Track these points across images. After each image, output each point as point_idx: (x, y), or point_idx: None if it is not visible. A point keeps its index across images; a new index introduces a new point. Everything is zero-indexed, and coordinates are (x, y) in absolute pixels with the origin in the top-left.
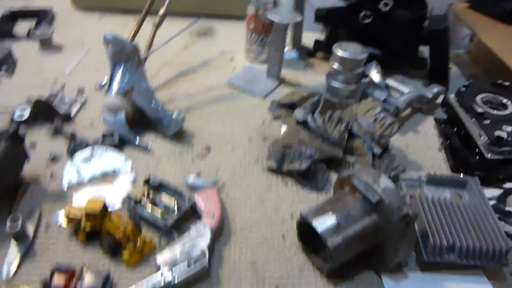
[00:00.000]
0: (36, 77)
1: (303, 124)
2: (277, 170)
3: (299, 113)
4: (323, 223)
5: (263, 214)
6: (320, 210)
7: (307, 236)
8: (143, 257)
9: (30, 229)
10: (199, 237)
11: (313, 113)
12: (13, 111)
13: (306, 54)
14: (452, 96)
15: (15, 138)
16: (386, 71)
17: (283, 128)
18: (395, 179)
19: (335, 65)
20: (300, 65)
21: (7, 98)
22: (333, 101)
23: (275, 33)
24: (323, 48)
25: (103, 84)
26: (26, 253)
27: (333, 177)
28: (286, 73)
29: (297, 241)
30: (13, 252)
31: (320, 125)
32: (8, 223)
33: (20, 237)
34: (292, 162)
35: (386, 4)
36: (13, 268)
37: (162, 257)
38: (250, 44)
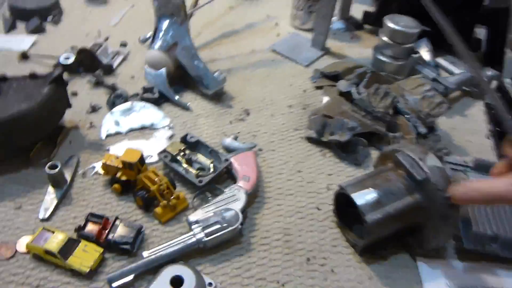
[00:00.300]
0: (80, 27)
1: (346, 95)
2: (316, 140)
3: (343, 84)
4: (362, 197)
5: (299, 183)
6: (360, 184)
7: (343, 210)
8: (176, 214)
9: (67, 176)
10: (233, 200)
11: (357, 85)
12: (58, 57)
13: (353, 26)
14: (508, 81)
15: (60, 81)
16: (437, 50)
17: (325, 99)
18: None
19: (385, 38)
20: (346, 37)
21: (52, 45)
22: (381, 75)
23: None
24: (373, 21)
25: (146, 37)
26: (62, 199)
27: (373, 152)
28: (331, 43)
29: (332, 214)
30: (50, 197)
31: (364, 97)
32: (47, 169)
33: (58, 183)
34: (333, 133)
35: None
36: (49, 211)
37: (195, 216)
38: (296, 10)
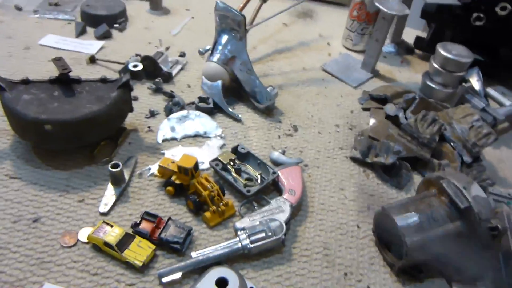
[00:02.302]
0: (144, 35)
1: (394, 119)
2: (361, 161)
3: (390, 108)
4: (405, 220)
5: (341, 200)
6: (403, 207)
7: (382, 230)
8: (223, 219)
9: (126, 175)
10: (278, 211)
11: (405, 110)
12: (126, 62)
13: (404, 50)
14: None
15: (126, 87)
16: (487, 80)
17: (372, 121)
18: None
19: (436, 65)
20: (396, 60)
21: (118, 51)
22: (429, 101)
23: (379, 23)
24: (424, 46)
25: (206, 49)
26: (120, 196)
27: (416, 177)
28: (381, 66)
29: (371, 233)
30: (110, 193)
31: (411, 122)
32: (110, 168)
33: (118, 181)
34: (378, 155)
35: (504, 8)
36: (109, 206)
37: (242, 224)
38: (349, 31)
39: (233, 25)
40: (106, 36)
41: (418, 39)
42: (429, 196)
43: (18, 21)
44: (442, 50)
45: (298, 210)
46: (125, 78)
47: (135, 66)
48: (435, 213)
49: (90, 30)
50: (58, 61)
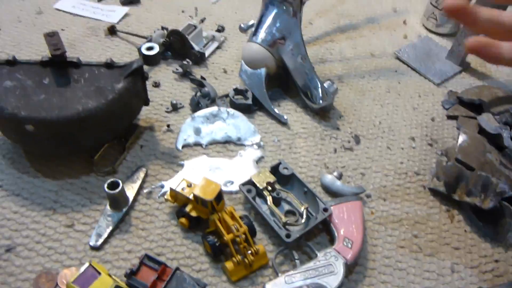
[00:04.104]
0: (177, 1)
1: (493, 138)
2: (444, 196)
3: (488, 121)
4: None
5: (413, 254)
6: None
7: None
8: (250, 272)
9: (130, 194)
10: (327, 272)
11: (511, 126)
12: (148, 37)
13: None
14: None
15: (138, 75)
16: None
17: (462, 137)
18: None
19: None
20: None
21: (144, 20)
22: None
23: None
24: None
25: (248, 25)
26: (119, 223)
27: None
28: (472, 56)
29: None
30: (106, 219)
31: None
32: (107, 188)
33: (117, 204)
34: (470, 192)
35: None
36: (102, 239)
37: (275, 286)
38: (433, 7)
39: None
40: (132, 1)
41: None
42: None
43: None
44: None
45: (354, 265)
46: (136, 63)
47: (149, 48)
48: None
49: None
50: (50, 37)
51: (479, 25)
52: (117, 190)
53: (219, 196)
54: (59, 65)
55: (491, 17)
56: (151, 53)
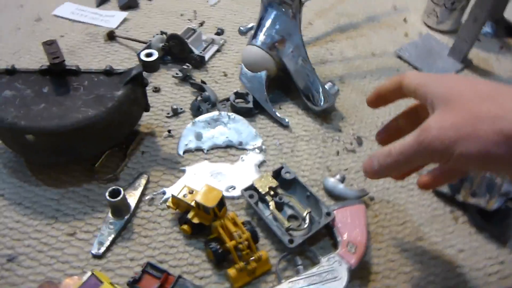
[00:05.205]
0: (176, 4)
1: None
2: (448, 197)
3: None
4: None
5: (418, 258)
6: None
7: None
8: (254, 279)
9: (132, 201)
10: (330, 277)
11: None
12: (148, 41)
13: (504, 31)
14: None
15: (138, 82)
16: None
17: None
18: None
19: None
20: (494, 45)
21: (143, 25)
22: None
23: None
24: None
25: (248, 28)
26: (122, 231)
27: None
28: (473, 53)
29: None
30: (108, 227)
31: None
32: (108, 196)
33: (119, 212)
34: (475, 193)
35: None
36: (104, 247)
37: None
38: (434, 4)
39: None
40: (131, 5)
41: None
42: None
43: None
44: None
45: (358, 270)
46: (135, 70)
47: (148, 55)
48: None
49: None
50: (49, 46)
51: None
52: (118, 198)
53: (221, 203)
54: (58, 74)
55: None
56: (150, 59)
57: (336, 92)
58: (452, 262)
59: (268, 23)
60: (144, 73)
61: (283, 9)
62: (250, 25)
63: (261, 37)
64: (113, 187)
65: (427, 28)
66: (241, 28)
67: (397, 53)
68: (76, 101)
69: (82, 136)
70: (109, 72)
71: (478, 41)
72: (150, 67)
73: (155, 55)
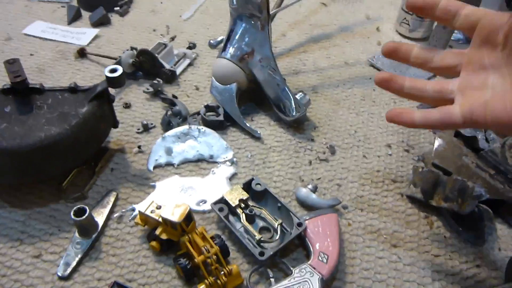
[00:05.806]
0: (149, 20)
1: (470, 142)
2: (422, 202)
3: None
4: None
5: (393, 265)
6: None
7: None
8: None
9: (100, 219)
10: None
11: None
12: (118, 58)
13: None
14: None
15: (103, 98)
16: None
17: (438, 141)
18: None
19: None
20: None
21: (114, 41)
22: None
23: None
24: None
25: (217, 42)
26: (89, 250)
27: (500, 227)
28: None
29: None
30: (75, 247)
31: (496, 149)
32: (73, 216)
33: (86, 231)
34: (448, 197)
35: None
36: (70, 268)
37: None
38: (405, 13)
39: (253, 10)
40: (103, 22)
41: None
42: None
43: (4, 5)
44: None
45: (332, 280)
46: (100, 86)
47: (113, 71)
48: None
49: (86, 15)
50: (10, 64)
51: (405, 92)
52: (83, 217)
53: (189, 217)
54: (21, 92)
55: (414, 86)
56: (115, 75)
57: (307, 102)
58: (428, 268)
59: (237, 35)
60: (115, 89)
61: (252, 22)
62: (219, 38)
63: (231, 49)
64: (78, 206)
65: (400, 36)
66: (211, 41)
67: (370, 62)
68: (39, 119)
69: (46, 154)
70: (73, 89)
71: (450, 47)
72: (116, 82)
73: (120, 70)
